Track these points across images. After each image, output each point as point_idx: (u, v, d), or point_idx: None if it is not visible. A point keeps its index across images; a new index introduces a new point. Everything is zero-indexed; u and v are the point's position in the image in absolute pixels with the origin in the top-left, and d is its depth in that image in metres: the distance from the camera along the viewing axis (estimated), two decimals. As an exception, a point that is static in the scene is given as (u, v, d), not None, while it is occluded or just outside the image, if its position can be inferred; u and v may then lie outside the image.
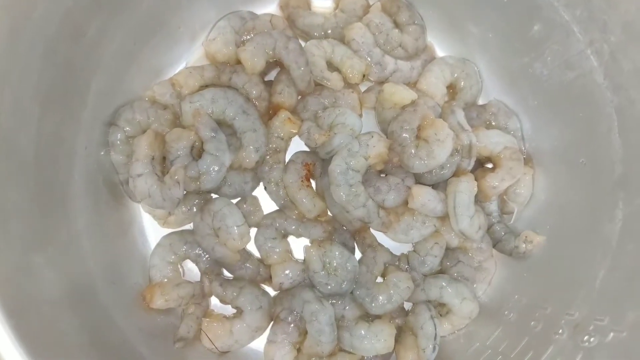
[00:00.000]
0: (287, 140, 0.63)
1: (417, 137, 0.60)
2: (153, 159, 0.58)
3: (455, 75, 0.66)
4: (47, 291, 0.43)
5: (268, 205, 0.63)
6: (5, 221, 0.41)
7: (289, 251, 0.63)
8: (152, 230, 0.64)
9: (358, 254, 0.63)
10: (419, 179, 0.61)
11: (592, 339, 0.45)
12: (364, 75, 0.64)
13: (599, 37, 0.51)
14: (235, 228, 0.59)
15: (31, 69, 0.45)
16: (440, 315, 0.61)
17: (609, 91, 0.51)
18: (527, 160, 0.63)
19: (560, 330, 0.50)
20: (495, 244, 0.63)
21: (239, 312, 0.60)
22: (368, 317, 0.61)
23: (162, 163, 0.60)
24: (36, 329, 0.38)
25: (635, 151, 0.49)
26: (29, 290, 0.41)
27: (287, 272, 0.60)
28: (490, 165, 0.64)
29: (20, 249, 0.42)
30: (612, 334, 0.44)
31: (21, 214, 0.44)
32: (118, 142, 0.59)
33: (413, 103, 0.61)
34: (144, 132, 0.60)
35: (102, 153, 0.59)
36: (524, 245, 0.60)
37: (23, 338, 0.36)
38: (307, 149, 0.64)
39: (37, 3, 0.43)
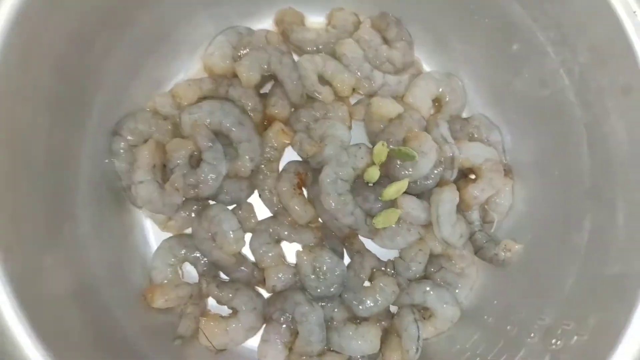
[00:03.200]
0: (281, 151, 0.67)
1: (403, 148, 0.64)
2: (154, 167, 0.62)
3: (441, 89, 0.69)
4: (57, 289, 0.47)
5: (262, 211, 0.67)
6: (19, 224, 0.45)
7: (281, 255, 0.66)
8: (153, 234, 0.67)
9: (347, 259, 0.66)
10: (404, 189, 0.65)
11: (558, 342, 0.49)
12: (353, 89, 0.68)
13: (570, 58, 0.54)
14: (231, 233, 0.62)
15: (42, 85, 0.48)
16: (424, 318, 0.65)
17: (579, 108, 0.54)
18: (507, 172, 0.66)
19: (532, 334, 0.53)
20: (477, 251, 0.66)
21: (234, 313, 0.63)
22: (355, 319, 0.64)
23: (163, 171, 0.64)
24: (49, 323, 0.42)
25: (601, 165, 0.52)
26: (41, 288, 0.44)
27: (279, 275, 0.63)
28: (472, 176, 0.67)
29: (32, 250, 0.45)
30: (575, 337, 0.47)
31: (32, 218, 0.47)
32: (121, 151, 0.63)
33: (399, 116, 0.65)
34: (145, 141, 0.63)
35: (106, 161, 0.62)
36: (503, 253, 0.63)
37: (38, 330, 0.40)
38: (299, 159, 0.67)
39: (47, 23, 0.46)
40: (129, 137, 0.63)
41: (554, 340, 0.49)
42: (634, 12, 0.46)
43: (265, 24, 0.70)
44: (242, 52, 0.67)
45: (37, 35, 0.45)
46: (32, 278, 0.44)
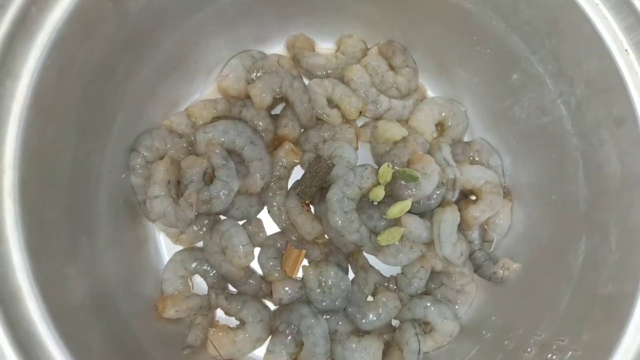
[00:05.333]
0: (290, 169, 0.70)
1: (407, 170, 0.67)
2: (169, 182, 0.65)
3: (444, 114, 0.72)
4: (78, 297, 0.49)
5: (271, 227, 0.70)
6: (46, 235, 0.47)
7: (288, 270, 0.68)
8: (166, 247, 0.69)
9: (351, 275, 0.69)
10: (408, 208, 0.67)
11: (554, 357, 0.51)
12: (360, 112, 0.71)
13: (567, 90, 0.57)
14: (240, 247, 0.65)
15: (71, 105, 0.51)
16: (425, 332, 0.67)
17: (576, 137, 0.57)
18: (507, 194, 0.69)
19: (529, 349, 0.56)
20: (476, 269, 0.68)
21: (242, 324, 0.65)
22: (359, 332, 0.66)
23: (177, 187, 0.66)
24: (72, 329, 0.44)
25: (596, 192, 0.55)
26: (65, 296, 0.47)
27: (286, 288, 0.66)
28: (473, 198, 0.70)
29: (57, 260, 0.48)
30: (570, 352, 0.50)
31: (57, 230, 0.50)
32: (138, 167, 0.65)
33: (404, 139, 0.68)
34: (161, 158, 0.66)
35: (123, 176, 0.65)
36: (501, 272, 0.66)
37: (63, 336, 0.42)
38: (307, 177, 0.70)
39: (80, 48, 0.50)
40: (145, 154, 0.66)
41: (549, 355, 0.52)
42: (626, 50, 0.50)
43: (278, 48, 0.74)
44: (255, 75, 0.70)
45: (70, 61, 0.48)
46: (58, 286, 0.47)
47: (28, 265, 0.42)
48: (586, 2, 0.51)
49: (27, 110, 0.44)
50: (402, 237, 0.66)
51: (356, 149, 0.70)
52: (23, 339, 0.40)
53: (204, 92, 0.73)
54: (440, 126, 0.74)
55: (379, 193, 0.66)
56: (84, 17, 0.47)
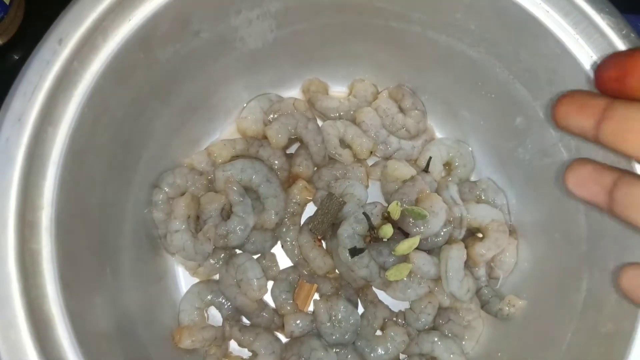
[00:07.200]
0: (303, 206, 0.73)
1: (415, 208, 0.70)
2: (189, 217, 0.68)
3: (451, 154, 0.75)
4: (102, 325, 0.53)
5: (284, 261, 0.72)
6: (76, 266, 0.50)
7: (300, 303, 0.71)
8: (183, 279, 0.73)
9: (361, 309, 0.71)
10: (416, 245, 0.70)
11: (556, 394, 0.53)
12: (371, 152, 0.74)
13: (567, 135, 0.60)
14: (255, 280, 0.68)
15: (102, 147, 0.55)
16: (432, 367, 0.69)
17: (576, 179, 0.60)
18: (512, 232, 0.71)
19: (533, 385, 0.57)
20: (483, 305, 0.70)
21: (254, 355, 0.68)
22: (367, 366, 0.68)
23: (196, 222, 0.70)
24: (96, 356, 0.47)
25: (596, 232, 0.57)
26: (91, 324, 0.50)
27: (297, 321, 0.68)
28: (479, 235, 0.72)
29: (85, 290, 0.51)
30: (571, 390, 0.51)
31: (85, 261, 0.54)
32: (160, 202, 0.69)
33: (412, 178, 0.71)
34: (182, 194, 0.70)
35: (146, 211, 0.69)
36: (507, 308, 0.67)
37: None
38: (320, 214, 0.73)
39: (113, 96, 0.54)
40: (167, 190, 0.70)
41: (551, 393, 0.53)
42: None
43: (294, 92, 0.78)
44: (272, 116, 0.75)
45: (104, 108, 0.52)
46: (85, 315, 0.50)
47: (60, 296, 0.46)
48: (581, 53, 0.55)
49: (65, 153, 0.48)
50: (410, 273, 0.68)
51: (366, 187, 0.73)
52: (53, 364, 0.44)
53: (223, 132, 0.77)
54: (448, 166, 0.77)
55: (388, 230, 0.68)
56: (119, 68, 0.52)
